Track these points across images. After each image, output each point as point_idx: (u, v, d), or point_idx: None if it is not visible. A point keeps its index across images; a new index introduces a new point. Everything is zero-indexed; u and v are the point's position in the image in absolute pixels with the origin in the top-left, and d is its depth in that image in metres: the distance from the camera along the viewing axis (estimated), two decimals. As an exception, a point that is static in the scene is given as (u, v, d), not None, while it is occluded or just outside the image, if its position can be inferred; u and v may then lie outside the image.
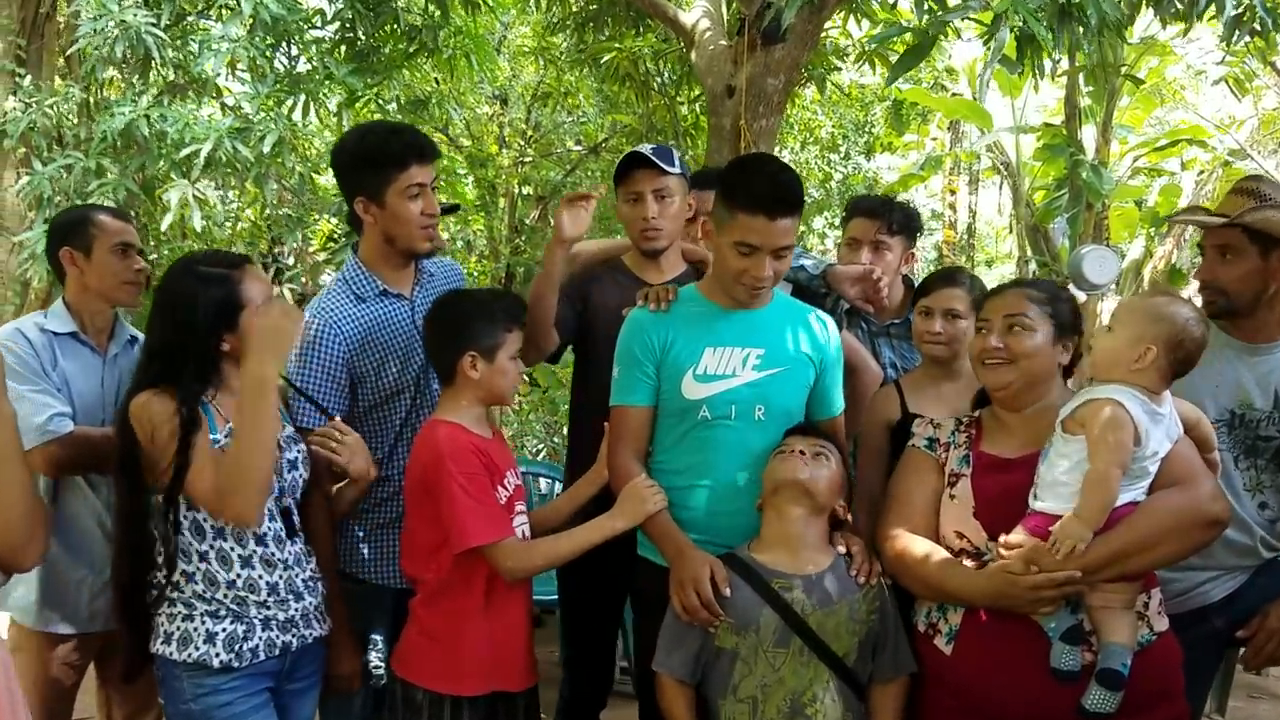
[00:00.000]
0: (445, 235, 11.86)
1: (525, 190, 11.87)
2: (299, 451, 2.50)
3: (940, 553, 2.29)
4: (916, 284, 3.04)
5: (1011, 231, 13.36)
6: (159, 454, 2.24)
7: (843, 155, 12.65)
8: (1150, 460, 2.15)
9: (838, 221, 16.80)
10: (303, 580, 2.47)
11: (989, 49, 3.95)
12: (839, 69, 7.45)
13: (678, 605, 2.36)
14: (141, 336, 2.82)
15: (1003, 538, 2.19)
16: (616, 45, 7.23)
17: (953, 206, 16.78)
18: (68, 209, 3.14)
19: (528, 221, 11.87)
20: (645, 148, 2.94)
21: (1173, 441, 2.20)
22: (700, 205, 3.12)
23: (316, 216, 8.73)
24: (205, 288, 2.31)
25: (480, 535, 2.36)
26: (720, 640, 2.33)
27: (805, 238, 15.80)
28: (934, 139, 14.72)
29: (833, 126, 12.38)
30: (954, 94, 12.46)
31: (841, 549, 2.40)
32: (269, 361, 2.24)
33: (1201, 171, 12.02)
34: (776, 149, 12.16)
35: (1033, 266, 12.04)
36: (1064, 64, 8.69)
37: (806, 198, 12.68)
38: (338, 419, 2.60)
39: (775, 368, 2.55)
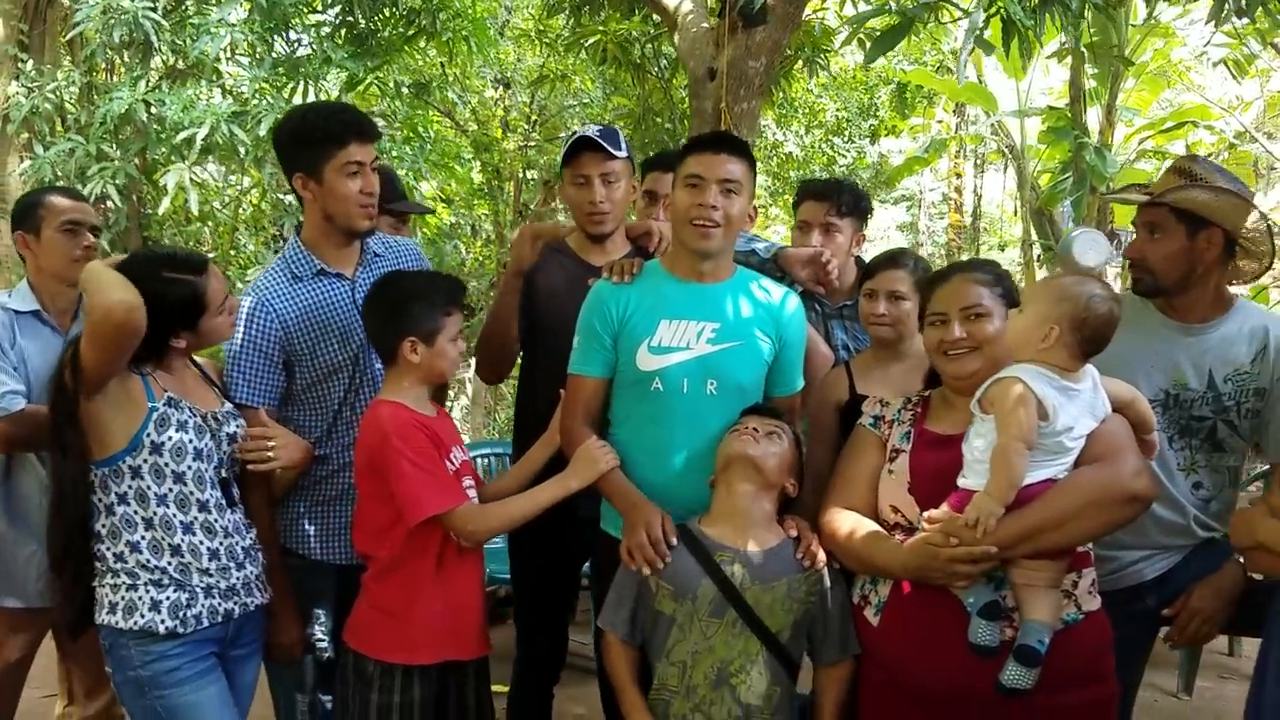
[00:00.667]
0: (451, 220, 11.97)
1: (530, 174, 11.89)
2: (238, 426, 2.57)
3: (868, 526, 2.32)
4: None
5: (1015, 214, 13.30)
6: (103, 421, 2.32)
7: (847, 139, 12.62)
8: (1067, 436, 2.16)
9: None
10: (242, 548, 2.54)
11: (968, 33, 3.95)
12: (828, 51, 7.42)
13: (625, 547, 2.42)
14: None
15: (927, 512, 2.22)
16: (601, 29, 7.23)
17: (959, 190, 16.73)
18: (25, 194, 3.18)
19: (533, 206, 11.89)
20: (592, 130, 2.95)
21: (1097, 419, 2.21)
22: (659, 188, 3.14)
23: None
24: (170, 289, 2.38)
25: (435, 504, 2.40)
26: (660, 605, 2.39)
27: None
28: (939, 122, 14.67)
29: (838, 110, 12.35)
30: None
31: (793, 533, 2.42)
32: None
33: (1207, 154, 11.93)
34: (771, 131, 12.25)
35: (1038, 250, 12.02)
36: (1052, 48, 8.63)
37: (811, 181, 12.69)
38: (261, 412, 2.65)
39: (729, 341, 2.56)
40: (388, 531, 2.48)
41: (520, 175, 11.95)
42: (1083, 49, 8.63)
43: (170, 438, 2.39)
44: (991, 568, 2.15)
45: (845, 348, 3.23)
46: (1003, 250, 20.46)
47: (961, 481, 2.21)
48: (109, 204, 7.47)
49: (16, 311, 2.89)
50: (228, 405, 2.60)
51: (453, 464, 2.54)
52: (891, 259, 2.89)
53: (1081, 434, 2.18)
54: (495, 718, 2.74)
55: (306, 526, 2.78)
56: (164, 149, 7.31)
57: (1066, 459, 2.18)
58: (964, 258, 20.44)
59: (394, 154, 7.62)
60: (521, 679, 3.14)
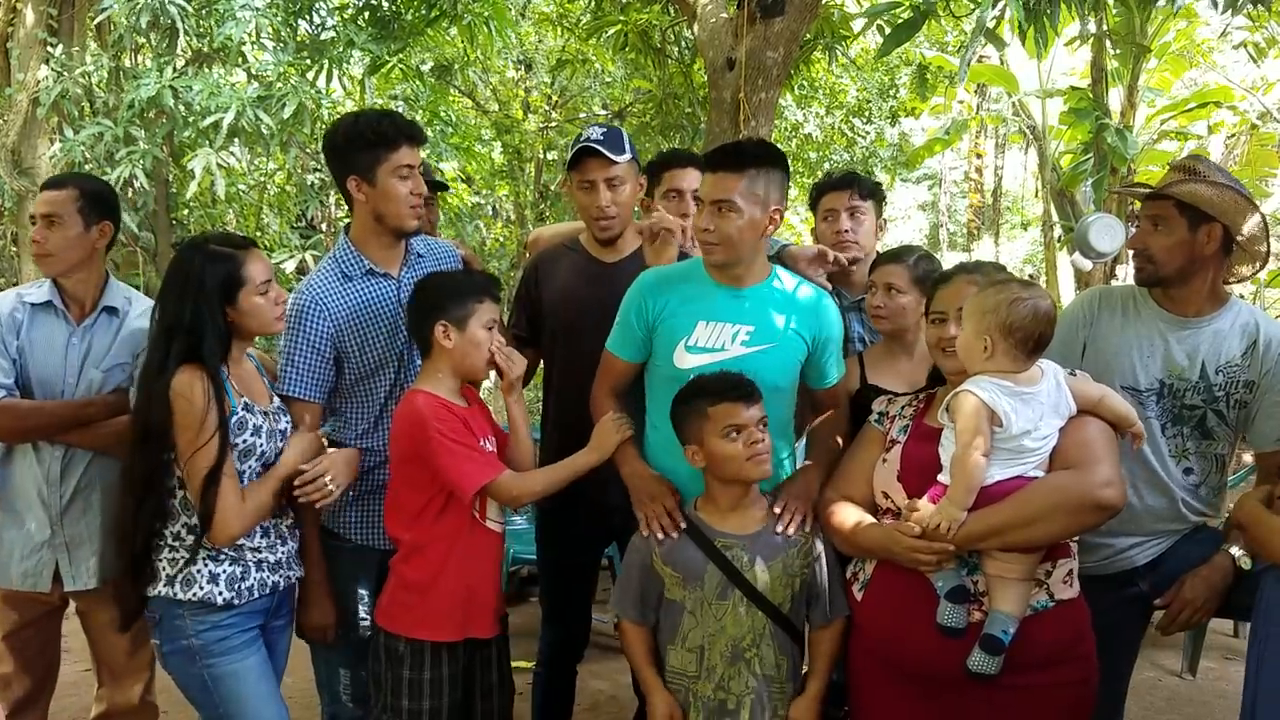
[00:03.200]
0: (472, 200, 12.03)
1: (551, 155, 11.95)
2: (288, 422, 2.71)
3: (857, 513, 2.45)
4: None
5: (1036, 196, 13.27)
6: (195, 424, 2.42)
7: (867, 120, 12.62)
8: (1028, 438, 2.24)
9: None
10: (286, 527, 2.72)
11: (975, 30, 3.99)
12: (847, 37, 7.44)
13: (641, 516, 2.57)
14: (135, 299, 3.05)
15: (907, 501, 2.33)
16: (621, 18, 7.28)
17: (979, 170, 16.66)
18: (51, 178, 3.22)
19: (554, 187, 11.95)
20: (595, 133, 2.99)
21: (1063, 417, 2.29)
22: (684, 184, 3.24)
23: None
24: (211, 264, 2.51)
25: (481, 475, 2.55)
26: (670, 593, 2.52)
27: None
28: (961, 102, 14.63)
29: (858, 91, 12.34)
30: (981, 58, 12.37)
31: (777, 509, 2.54)
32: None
33: (1230, 135, 11.89)
34: (792, 113, 12.24)
35: (1058, 231, 12.00)
36: (1070, 31, 8.61)
37: (830, 161, 12.61)
38: (314, 408, 2.80)
39: (763, 344, 2.64)
40: (419, 516, 2.61)
41: (541, 156, 12.01)
42: (1106, 33, 8.59)
43: (245, 440, 2.54)
44: (963, 553, 2.26)
45: (861, 340, 3.30)
46: (1026, 229, 20.38)
47: (941, 477, 2.31)
48: (136, 186, 7.61)
49: (32, 304, 2.93)
50: (277, 401, 2.73)
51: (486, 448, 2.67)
52: (894, 254, 2.98)
53: (1047, 433, 2.26)
54: (516, 692, 2.87)
55: (351, 514, 2.91)
56: (190, 133, 7.43)
57: (1034, 459, 2.26)
58: (984, 238, 20.40)
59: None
60: (547, 657, 3.25)
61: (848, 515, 2.44)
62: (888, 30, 6.05)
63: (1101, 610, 2.42)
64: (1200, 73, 12.86)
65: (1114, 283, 9.37)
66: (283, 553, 2.68)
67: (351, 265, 2.87)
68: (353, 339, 2.82)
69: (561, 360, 3.01)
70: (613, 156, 2.95)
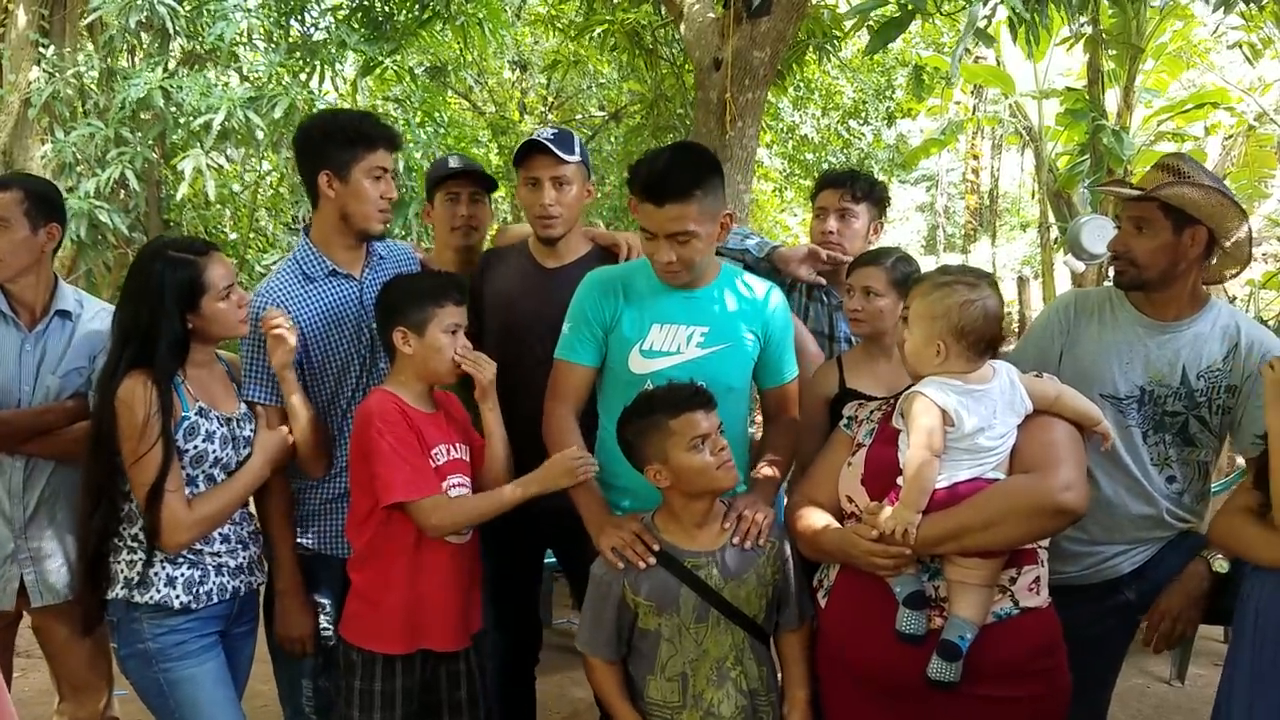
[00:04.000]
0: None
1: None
2: (252, 429, 2.67)
3: (820, 517, 2.39)
4: None
5: (1033, 197, 13.24)
6: (136, 434, 2.39)
7: (863, 121, 12.59)
8: (983, 436, 2.19)
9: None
10: (248, 532, 2.69)
11: (967, 28, 3.96)
12: (839, 37, 7.40)
13: (607, 549, 2.41)
14: (86, 301, 2.95)
15: (867, 504, 2.27)
16: (609, 18, 7.25)
17: (976, 171, 16.65)
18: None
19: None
20: (546, 133, 2.95)
21: (1019, 415, 2.24)
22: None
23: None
24: (171, 271, 2.47)
25: (403, 491, 2.44)
26: (644, 623, 2.40)
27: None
28: (957, 103, 14.60)
29: (854, 92, 12.31)
30: (977, 58, 12.35)
31: (730, 522, 2.45)
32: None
33: (1227, 136, 11.85)
34: (782, 110, 12.21)
35: (1054, 232, 11.98)
36: (1065, 31, 8.59)
37: (826, 163, 12.61)
38: (273, 411, 2.72)
39: (718, 344, 2.61)
40: (366, 520, 2.55)
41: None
42: (1099, 34, 8.56)
43: (195, 446, 2.49)
44: (924, 558, 2.21)
45: (848, 340, 3.24)
46: (1024, 230, 20.35)
47: (899, 480, 2.25)
48: (128, 187, 7.57)
49: None
50: (244, 407, 2.68)
51: (435, 460, 2.57)
52: (872, 256, 2.91)
53: (1003, 432, 2.22)
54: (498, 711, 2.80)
55: (313, 521, 2.84)
56: (182, 134, 7.40)
57: (991, 457, 2.21)
58: (982, 239, 20.38)
59: (409, 137, 7.65)
60: (502, 661, 3.17)
61: (812, 519, 2.39)
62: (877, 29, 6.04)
63: (1087, 620, 2.37)
64: (1197, 74, 12.82)
65: (1106, 284, 9.32)
66: (244, 557, 2.65)
67: (313, 266, 2.81)
68: (315, 342, 2.76)
69: (498, 362, 2.85)
70: (561, 155, 2.90)
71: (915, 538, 2.15)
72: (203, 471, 2.53)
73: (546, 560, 3.37)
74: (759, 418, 3.02)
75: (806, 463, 2.66)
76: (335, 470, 2.80)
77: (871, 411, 2.49)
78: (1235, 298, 10.26)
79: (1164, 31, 10.48)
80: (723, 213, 2.55)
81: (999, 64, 11.83)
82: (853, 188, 3.28)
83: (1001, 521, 2.14)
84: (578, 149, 2.97)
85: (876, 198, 3.34)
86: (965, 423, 2.18)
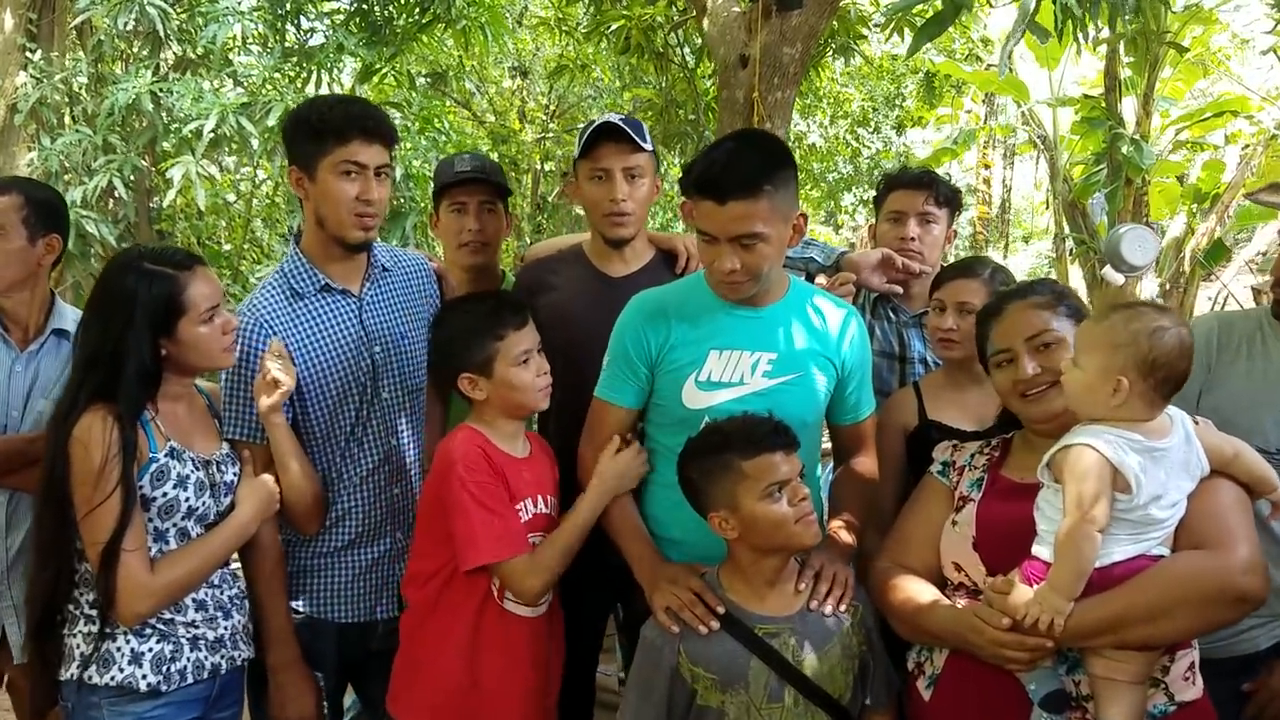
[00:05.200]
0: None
1: (548, 166, 11.66)
2: (235, 472, 2.31)
3: (913, 583, 2.04)
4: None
5: (1048, 207, 12.99)
6: (90, 480, 2.03)
7: (873, 129, 12.33)
8: (1156, 505, 1.81)
9: (868, 198, 16.56)
10: (229, 597, 2.30)
11: (1019, 19, 3.68)
12: (865, 37, 7.13)
13: (660, 609, 2.06)
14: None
15: (990, 580, 1.90)
16: (625, 13, 6.93)
17: (987, 182, 16.40)
18: None
19: (550, 198, 11.66)
20: (614, 117, 2.62)
21: (1194, 479, 1.87)
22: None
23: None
24: (145, 287, 2.10)
25: (490, 550, 2.14)
26: (705, 699, 2.02)
27: (834, 215, 15.53)
28: (968, 112, 14.34)
29: (863, 100, 12.06)
30: (989, 66, 12.10)
31: (806, 582, 2.09)
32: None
33: (1246, 145, 11.59)
34: (794, 122, 11.95)
35: (1069, 243, 11.71)
36: (1105, 33, 8.33)
37: (834, 173, 12.37)
38: (252, 452, 2.36)
39: (789, 374, 2.25)
40: (432, 577, 2.24)
41: (538, 167, 11.72)
42: (1131, 35, 8.29)
43: (165, 494, 2.13)
44: (1063, 648, 1.84)
45: (923, 361, 2.89)
46: (1027, 242, 20.11)
47: (1036, 549, 1.87)
48: (116, 196, 7.30)
49: None
50: (226, 447, 2.33)
51: (524, 514, 2.26)
52: (963, 267, 2.59)
53: (1177, 499, 1.84)
54: None
55: (306, 580, 2.49)
56: (173, 141, 7.13)
57: (1158, 532, 1.84)
58: (989, 251, 20.10)
59: (408, 144, 7.41)
60: None
61: (912, 592, 2.02)
62: (909, 31, 5.77)
63: (1216, 703, 2.00)
64: (1209, 82, 12.58)
65: (1255, 308, 9.02)
66: (225, 628, 2.26)
67: (303, 280, 2.45)
68: (307, 368, 2.40)
69: (558, 389, 2.49)
70: (638, 141, 2.58)
71: (1063, 628, 1.78)
72: (174, 525, 2.15)
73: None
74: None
75: (883, 503, 2.35)
76: (334, 516, 2.46)
77: (973, 455, 2.14)
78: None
79: (1183, 37, 10.23)
80: (795, 213, 2.19)
81: (1011, 71, 11.54)
82: (936, 190, 2.93)
83: (1170, 611, 1.78)
84: (649, 140, 2.65)
85: (955, 203, 3.00)
86: (1143, 490, 1.79)
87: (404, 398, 2.56)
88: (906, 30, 5.64)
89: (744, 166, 2.10)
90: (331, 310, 2.47)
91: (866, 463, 2.43)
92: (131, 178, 6.98)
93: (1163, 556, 1.83)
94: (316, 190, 2.37)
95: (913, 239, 2.89)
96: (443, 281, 2.76)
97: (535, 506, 2.29)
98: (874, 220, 3.08)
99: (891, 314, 2.95)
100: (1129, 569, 1.81)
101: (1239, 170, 11.28)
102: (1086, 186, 10.66)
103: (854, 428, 2.42)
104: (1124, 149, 9.71)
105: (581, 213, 2.79)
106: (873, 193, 3.28)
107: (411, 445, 2.60)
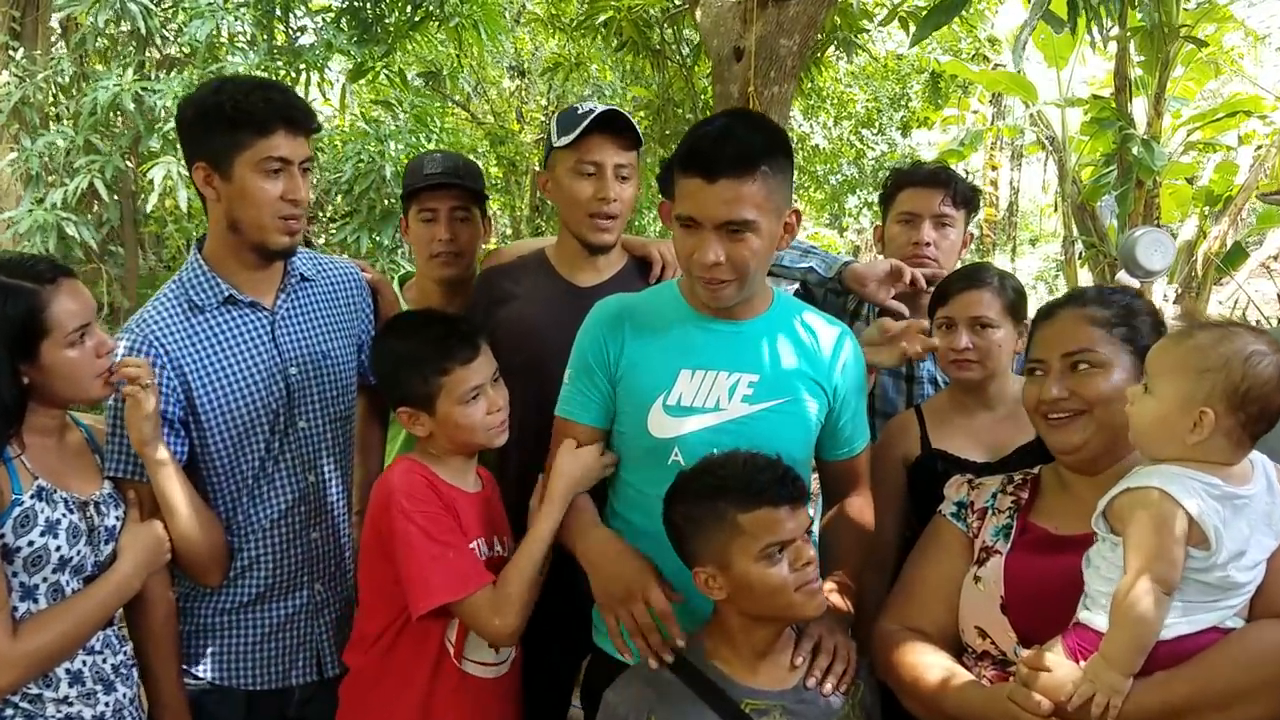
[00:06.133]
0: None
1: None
2: (119, 516, 2.01)
3: (926, 653, 1.74)
4: None
5: (1056, 210, 12.79)
6: None
7: (877, 130, 12.12)
8: (1236, 566, 1.51)
9: (872, 200, 16.34)
10: (113, 665, 1.99)
11: (1035, 6, 3.46)
12: (867, 31, 6.90)
13: (609, 618, 1.82)
14: None
15: (1025, 652, 1.58)
16: (615, 4, 6.68)
17: (994, 184, 16.19)
18: None
19: (549, 200, 11.46)
20: (598, 108, 2.32)
21: (1277, 536, 1.57)
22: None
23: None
24: (1, 303, 1.80)
25: (448, 589, 1.87)
26: None
27: (838, 218, 15.29)
28: (974, 113, 14.12)
29: (867, 101, 11.84)
30: (996, 65, 11.89)
31: (802, 657, 1.79)
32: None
33: (1259, 146, 11.36)
34: (798, 123, 11.75)
35: (1078, 246, 11.49)
36: (1115, 30, 8.12)
37: (838, 175, 12.17)
38: (139, 492, 2.06)
39: (773, 399, 1.95)
40: (380, 635, 1.98)
41: (537, 169, 11.52)
42: (1148, 29, 8.07)
43: (31, 543, 1.82)
44: None
45: (933, 381, 2.60)
46: (1034, 245, 19.88)
47: (1082, 615, 1.57)
48: (100, 199, 7.11)
49: None
50: (109, 487, 2.02)
51: (480, 554, 2.02)
52: (969, 275, 2.30)
53: (1259, 559, 1.54)
54: None
55: (208, 640, 2.18)
56: (157, 141, 6.93)
57: (1238, 597, 1.53)
58: (995, 255, 19.89)
59: (400, 143, 7.22)
60: None
61: (927, 664, 1.72)
62: (912, 24, 5.55)
63: None
64: (1219, 83, 12.37)
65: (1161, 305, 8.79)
66: (107, 704, 1.93)
67: (203, 291, 2.14)
68: (206, 394, 2.10)
69: (520, 409, 2.20)
70: (633, 138, 2.36)
71: (1118, 713, 1.48)
72: (44, 579, 1.85)
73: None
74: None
75: (884, 543, 2.10)
76: (236, 570, 2.17)
77: (995, 495, 1.84)
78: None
79: (1197, 34, 10.02)
80: (789, 209, 1.92)
81: (1019, 71, 11.35)
82: (953, 188, 2.61)
83: (1251, 695, 1.49)
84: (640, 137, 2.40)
85: (975, 203, 2.70)
86: (1222, 546, 1.49)
87: (325, 427, 2.27)
88: (910, 24, 5.43)
89: (739, 143, 1.83)
90: (237, 326, 2.16)
91: (861, 506, 2.14)
92: (113, 179, 6.78)
93: (1235, 629, 1.54)
94: (231, 190, 2.06)
95: (927, 244, 2.59)
96: (378, 295, 2.49)
97: (490, 549, 2.03)
98: (881, 222, 2.79)
99: None
100: (1200, 642, 1.51)
101: (1252, 172, 11.07)
102: (1096, 188, 10.45)
103: (847, 464, 2.12)
104: (1135, 150, 9.52)
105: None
106: (877, 195, 2.97)
107: (336, 482, 2.31)
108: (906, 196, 2.66)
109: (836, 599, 1.92)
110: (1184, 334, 1.60)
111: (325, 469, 2.26)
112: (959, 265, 2.62)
